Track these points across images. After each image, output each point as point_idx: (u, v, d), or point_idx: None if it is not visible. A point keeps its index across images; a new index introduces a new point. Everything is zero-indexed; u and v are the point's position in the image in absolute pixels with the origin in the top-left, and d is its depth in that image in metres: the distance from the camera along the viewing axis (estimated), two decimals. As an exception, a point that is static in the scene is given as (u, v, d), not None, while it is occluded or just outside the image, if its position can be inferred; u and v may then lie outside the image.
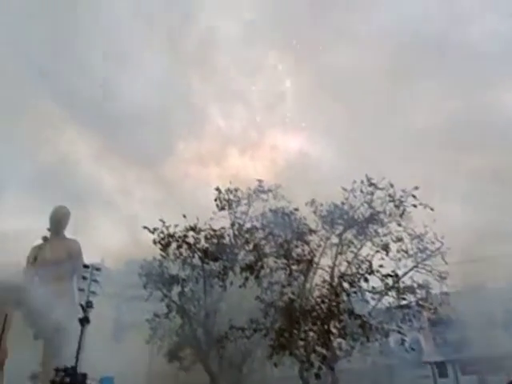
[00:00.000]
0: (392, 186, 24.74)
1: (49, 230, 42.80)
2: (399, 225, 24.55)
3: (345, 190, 25.16)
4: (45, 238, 42.32)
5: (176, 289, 26.28)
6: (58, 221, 43.18)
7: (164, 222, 26.52)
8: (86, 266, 28.83)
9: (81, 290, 27.33)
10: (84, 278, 27.75)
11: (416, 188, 24.21)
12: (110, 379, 23.68)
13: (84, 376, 23.70)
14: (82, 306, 26.49)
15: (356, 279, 23.61)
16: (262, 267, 23.39)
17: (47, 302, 31.75)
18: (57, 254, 38.74)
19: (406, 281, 24.03)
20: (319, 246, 24.73)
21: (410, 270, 24.11)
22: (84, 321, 25.96)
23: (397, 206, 24.57)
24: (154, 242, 26.34)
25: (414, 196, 24.27)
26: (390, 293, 23.82)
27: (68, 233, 43.94)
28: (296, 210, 25.04)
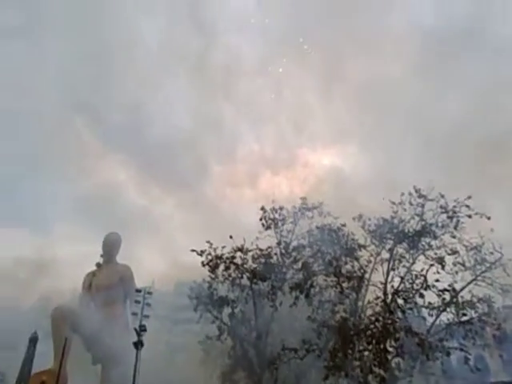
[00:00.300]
0: (443, 196, 23.82)
1: (102, 256, 44.47)
2: (453, 237, 23.48)
3: (393, 203, 24.46)
4: (98, 265, 43.92)
5: (226, 310, 26.32)
6: (111, 247, 44.59)
7: (211, 244, 26.82)
8: (138, 291, 29.56)
9: (134, 314, 27.96)
10: (137, 301, 28.42)
11: (469, 197, 23.16)
12: (166, 403, 23.77)
13: (141, 400, 24.00)
14: (135, 329, 27.06)
15: (411, 295, 22.68)
16: (311, 286, 22.97)
17: (102, 327, 32.66)
18: (110, 280, 39.93)
19: (465, 295, 22.84)
20: (369, 261, 24.03)
21: (469, 283, 22.89)
22: (138, 344, 26.47)
23: (450, 218, 23.56)
24: (203, 264, 26.62)
25: (467, 206, 23.22)
26: (448, 308, 22.67)
27: (119, 258, 45.39)
28: (343, 225, 24.56)
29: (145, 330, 27.90)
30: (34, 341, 34.97)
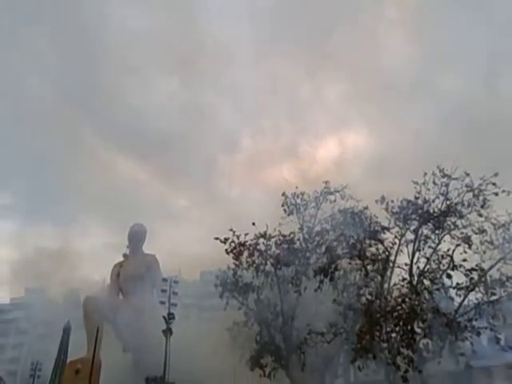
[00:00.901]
0: (468, 174, 23.21)
1: (128, 246, 45.43)
2: (480, 215, 22.93)
3: (416, 183, 24.02)
4: (125, 255, 44.94)
5: (252, 296, 26.55)
6: (137, 238, 45.68)
7: (234, 232, 27.00)
8: (164, 280, 30.15)
9: (162, 302, 28.58)
10: (163, 290, 29.01)
11: (495, 175, 22.51)
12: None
13: (172, 384, 24.65)
14: (164, 317, 27.67)
15: (437, 276, 22.38)
16: (335, 269, 22.90)
17: (131, 315, 33.54)
18: (137, 270, 40.90)
19: (494, 274, 22.35)
20: (394, 243, 23.74)
21: (497, 261, 22.36)
22: (167, 332, 27.08)
23: (476, 196, 23.00)
24: (227, 252, 26.86)
25: (493, 184, 22.60)
26: (476, 288, 22.28)
27: (145, 248, 46.28)
28: (366, 208, 24.33)
29: (173, 318, 28.58)
30: (67, 330, 36.32)
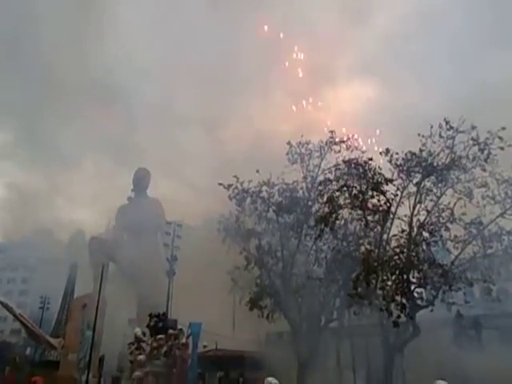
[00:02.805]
0: (474, 128, 22.84)
1: (132, 190, 45.99)
2: (484, 170, 22.84)
3: (422, 136, 23.73)
4: (129, 198, 45.64)
5: (253, 242, 27.17)
6: (141, 182, 46.18)
7: (238, 178, 27.17)
8: (168, 223, 30.80)
9: (165, 245, 29.39)
10: (167, 233, 29.74)
11: (503, 128, 22.13)
12: (198, 325, 25.47)
13: (175, 321, 25.89)
14: (167, 259, 28.57)
15: (436, 228, 22.68)
16: (336, 218, 23.22)
17: (136, 256, 34.53)
18: (141, 213, 41.70)
19: (492, 228, 22.64)
20: (396, 195, 23.86)
21: (498, 216, 22.50)
22: (171, 273, 28.05)
23: (481, 150, 22.76)
24: (230, 198, 27.18)
25: (500, 138, 22.29)
26: (474, 241, 22.67)
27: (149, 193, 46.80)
28: (370, 159, 24.23)
29: (176, 260, 29.50)
30: (74, 268, 37.67)
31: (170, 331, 24.44)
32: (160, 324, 24.86)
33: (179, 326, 24.62)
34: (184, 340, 23.97)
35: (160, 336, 24.18)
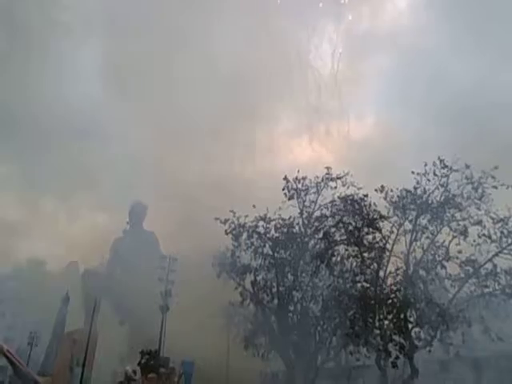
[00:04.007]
0: (468, 167, 23.18)
1: (128, 223, 45.95)
2: (479, 208, 23.00)
3: (417, 173, 24.02)
4: (125, 231, 45.54)
5: (249, 278, 26.91)
6: (137, 215, 46.19)
7: (234, 213, 27.21)
8: (163, 257, 30.55)
9: (160, 279, 29.03)
10: (162, 268, 29.44)
11: (495, 168, 22.50)
12: (191, 363, 24.89)
13: (167, 359, 25.22)
14: (161, 294, 28.13)
15: (432, 266, 22.59)
16: (332, 255, 23.14)
17: (129, 290, 34.03)
18: (136, 246, 41.46)
19: (489, 267, 22.54)
20: (391, 232, 23.89)
21: (494, 255, 22.43)
22: (164, 308, 27.56)
23: (475, 189, 23.02)
24: (226, 233, 27.12)
25: (493, 177, 22.60)
26: (470, 280, 22.52)
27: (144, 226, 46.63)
28: (365, 196, 24.41)
29: (170, 295, 29.04)
30: (65, 302, 36.95)
31: (162, 370, 23.73)
32: (151, 362, 24.16)
33: (171, 365, 23.93)
34: (176, 379, 23.23)
35: (151, 375, 23.45)
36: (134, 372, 25.49)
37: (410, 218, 23.84)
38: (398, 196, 23.93)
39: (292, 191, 28.09)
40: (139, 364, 25.31)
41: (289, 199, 28.06)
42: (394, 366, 20.33)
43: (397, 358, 20.25)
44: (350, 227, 23.20)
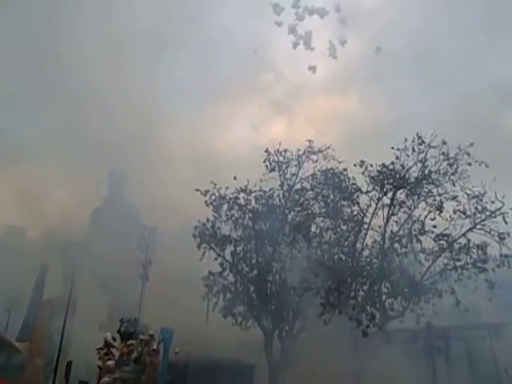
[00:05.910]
0: (445, 143, 23.50)
1: (108, 191, 45.54)
2: (454, 184, 23.46)
3: (397, 149, 24.25)
4: (105, 200, 45.13)
5: (229, 248, 27.13)
6: (116, 183, 45.79)
7: (215, 184, 27.17)
8: (143, 226, 30.46)
9: (139, 247, 29.03)
10: (142, 236, 29.41)
11: (471, 144, 22.88)
12: (170, 330, 25.15)
13: (146, 327, 25.48)
14: (141, 263, 28.22)
15: (408, 240, 23.13)
16: (309, 226, 23.45)
17: (109, 259, 34.00)
18: (116, 215, 41.25)
19: (462, 242, 23.21)
20: (369, 206, 24.25)
21: (467, 231, 23.10)
22: (144, 277, 27.70)
23: (450, 165, 23.42)
24: (207, 204, 27.13)
25: (468, 154, 22.99)
26: (444, 254, 23.18)
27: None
28: (345, 170, 24.60)
29: (150, 264, 29.16)
30: (44, 269, 36.75)
31: (141, 336, 23.99)
32: (131, 329, 24.36)
33: (150, 332, 24.18)
34: (155, 346, 23.52)
35: (130, 341, 23.67)
36: (114, 339, 25.74)
37: (388, 193, 24.19)
38: (377, 171, 24.18)
39: (273, 164, 28.12)
40: (118, 331, 25.54)
41: (270, 171, 28.13)
42: (365, 335, 21.03)
43: (367, 327, 20.92)
44: (329, 200, 23.44)
